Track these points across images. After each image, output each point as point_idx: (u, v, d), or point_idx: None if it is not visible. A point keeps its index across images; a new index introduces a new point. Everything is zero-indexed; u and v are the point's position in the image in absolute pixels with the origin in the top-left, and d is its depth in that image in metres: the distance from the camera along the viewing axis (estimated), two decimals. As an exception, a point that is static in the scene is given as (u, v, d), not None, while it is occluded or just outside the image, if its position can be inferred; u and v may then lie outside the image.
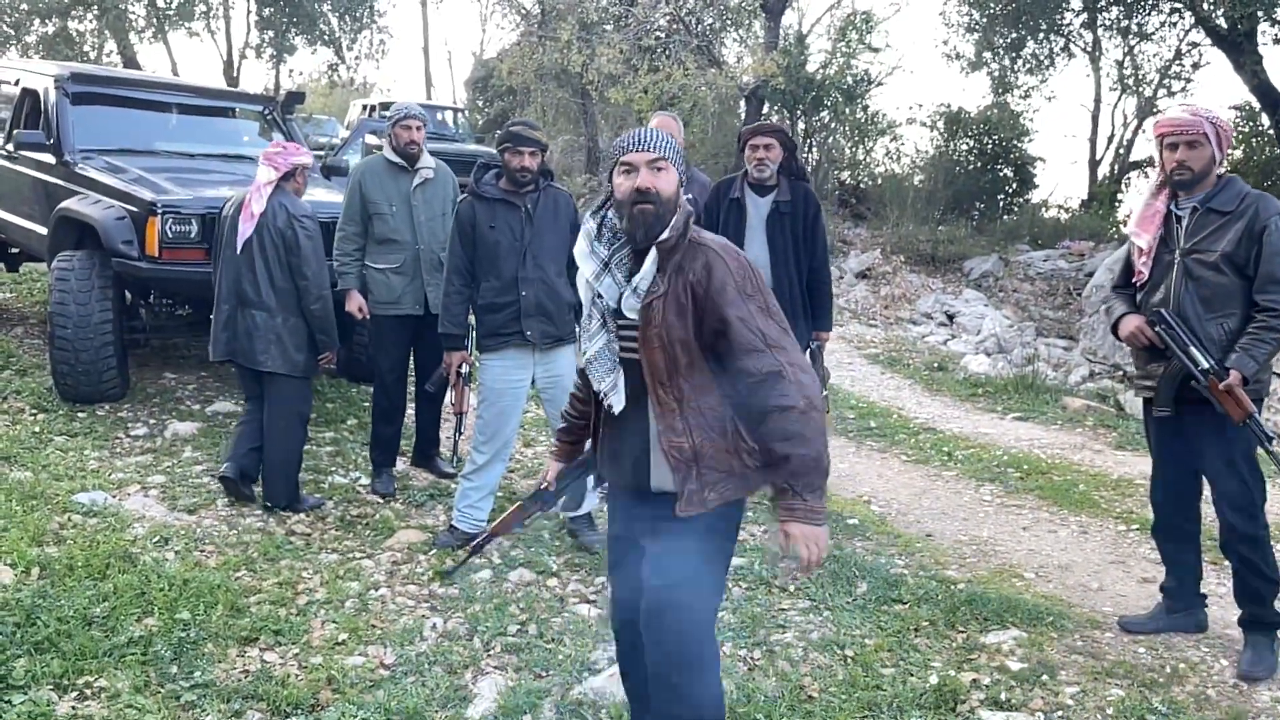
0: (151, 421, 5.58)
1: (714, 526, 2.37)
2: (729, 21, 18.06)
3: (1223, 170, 3.46)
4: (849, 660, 3.44)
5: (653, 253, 2.31)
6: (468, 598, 3.81)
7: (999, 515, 5.25)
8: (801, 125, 18.05)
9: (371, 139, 13.15)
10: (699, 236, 2.37)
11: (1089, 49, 17.98)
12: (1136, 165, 19.14)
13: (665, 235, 2.30)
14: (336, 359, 4.77)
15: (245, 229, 4.42)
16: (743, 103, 17.34)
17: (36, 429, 5.20)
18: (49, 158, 6.19)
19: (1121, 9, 16.30)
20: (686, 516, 2.31)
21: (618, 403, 2.38)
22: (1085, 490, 5.58)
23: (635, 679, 2.61)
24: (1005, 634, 3.68)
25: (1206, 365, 3.31)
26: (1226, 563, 4.02)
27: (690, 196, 4.33)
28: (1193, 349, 3.34)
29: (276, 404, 4.55)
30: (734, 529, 2.47)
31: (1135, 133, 18.95)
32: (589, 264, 2.39)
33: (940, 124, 17.72)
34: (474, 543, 2.92)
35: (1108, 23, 17.18)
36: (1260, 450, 3.41)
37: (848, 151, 18.23)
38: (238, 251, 4.44)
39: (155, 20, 21.57)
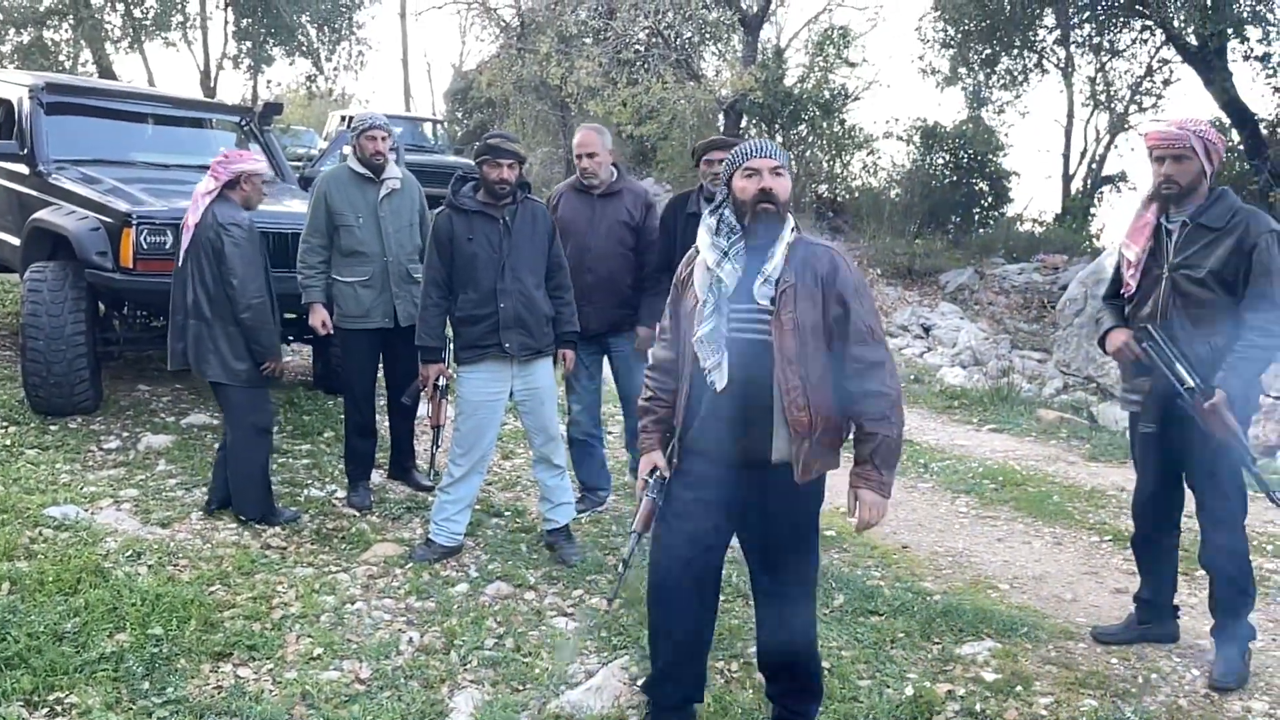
0: (124, 434, 5.53)
1: (819, 493, 2.87)
2: (707, 36, 18.18)
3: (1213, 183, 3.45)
4: (826, 672, 3.45)
5: (782, 247, 2.67)
6: (444, 611, 3.79)
7: (974, 526, 5.29)
8: (779, 139, 18.16)
9: (349, 150, 13.13)
10: (811, 237, 2.78)
11: (1062, 65, 18.20)
12: (1109, 180, 19.38)
13: (790, 233, 2.70)
14: (279, 369, 4.58)
15: (185, 239, 4.44)
16: (721, 116, 17.44)
17: (7, 442, 5.14)
18: (22, 168, 6.14)
19: (1093, 26, 16.51)
20: (804, 483, 2.72)
21: (720, 380, 2.66)
22: (1059, 501, 5.64)
23: (681, 634, 2.89)
24: (980, 645, 3.71)
25: (1192, 384, 3.30)
26: (1199, 573, 4.06)
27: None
28: (1179, 366, 3.33)
29: (229, 416, 4.52)
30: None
31: (1108, 148, 19.19)
32: (711, 254, 2.71)
33: (916, 138, 17.88)
34: (627, 555, 2.93)
35: (1080, 39, 17.40)
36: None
37: (825, 165, 18.34)
38: (180, 263, 4.44)
39: (131, 30, 21.43)
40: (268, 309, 4.46)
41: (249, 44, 22.46)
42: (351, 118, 19.17)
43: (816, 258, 2.68)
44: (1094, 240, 17.14)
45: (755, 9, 17.06)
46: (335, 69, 23.88)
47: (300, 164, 9.40)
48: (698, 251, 2.79)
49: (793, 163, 3.30)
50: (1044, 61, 17.80)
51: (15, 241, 6.09)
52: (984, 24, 16.26)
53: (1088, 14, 16.02)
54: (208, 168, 6.76)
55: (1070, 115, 19.33)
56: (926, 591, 4.24)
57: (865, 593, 4.15)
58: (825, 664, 3.49)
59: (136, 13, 21.29)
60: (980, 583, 4.43)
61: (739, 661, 3.51)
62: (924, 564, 4.66)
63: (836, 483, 6.20)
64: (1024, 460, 6.58)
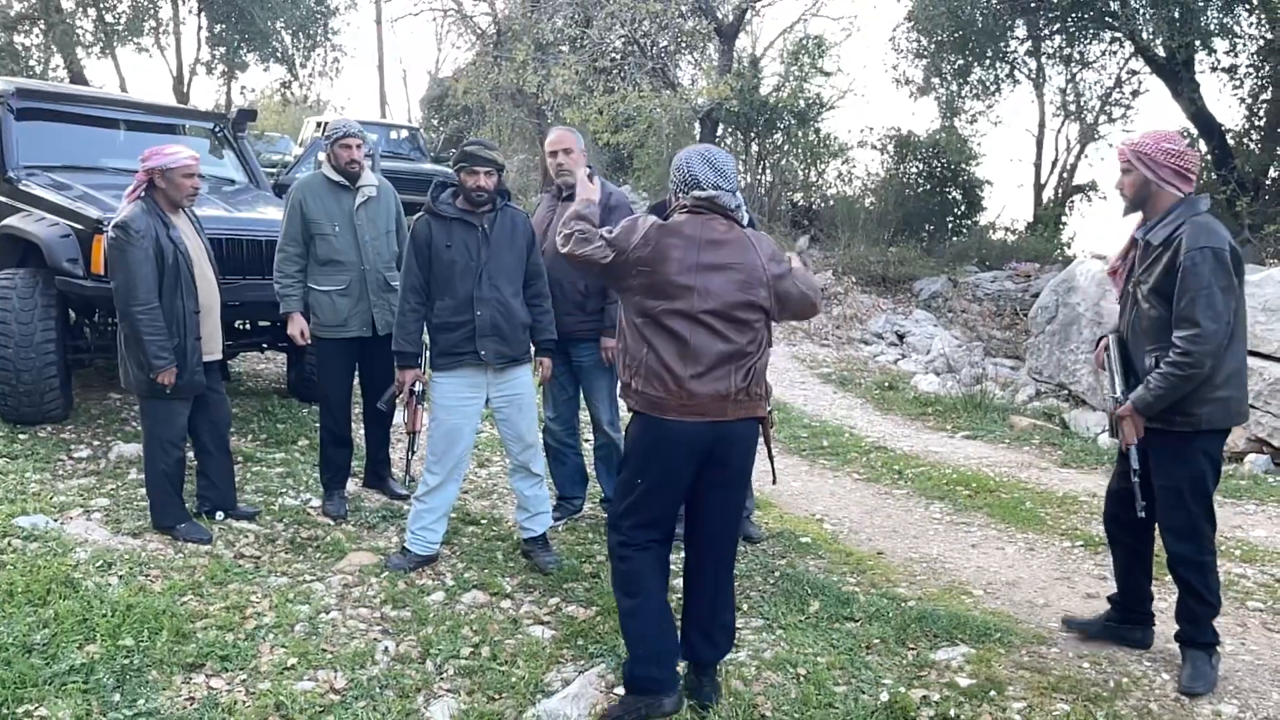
0: (95, 443, 5.47)
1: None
2: (683, 45, 18.26)
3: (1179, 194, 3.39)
4: (801, 679, 3.47)
5: None
6: (420, 620, 3.77)
7: (948, 533, 5.33)
8: (755, 147, 18.26)
9: (324, 157, 13.06)
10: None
11: (1033, 76, 18.45)
12: (1080, 189, 19.63)
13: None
14: (174, 380, 4.25)
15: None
16: (697, 125, 17.51)
17: (-25, 451, 5.07)
18: (-9, 174, 6.06)
19: (1064, 37, 16.74)
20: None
21: None
22: (1032, 508, 5.69)
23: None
24: (954, 650, 3.74)
25: (1117, 394, 3.43)
26: (1169, 578, 4.12)
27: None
28: (1116, 375, 3.45)
29: (142, 425, 4.41)
30: None
31: (1078, 157, 19.46)
32: None
33: (890, 147, 18.06)
34: None
35: (1051, 50, 17.65)
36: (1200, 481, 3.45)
37: (800, 173, 18.48)
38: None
39: (104, 35, 21.22)
40: (156, 317, 4.18)
41: (222, 50, 22.32)
42: (326, 124, 19.13)
43: None
44: (1065, 248, 17.36)
45: (731, 19, 17.17)
46: (310, 75, 23.78)
47: (275, 170, 9.36)
48: None
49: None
50: (1015, 72, 18.04)
51: (-16, 248, 6.01)
52: (956, 35, 16.46)
53: (1058, 25, 16.25)
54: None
55: (1041, 125, 19.60)
56: (901, 597, 4.27)
57: (840, 599, 4.17)
58: (801, 670, 3.51)
59: (108, 18, 21.10)
60: (954, 589, 4.47)
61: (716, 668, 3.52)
62: (898, 570, 4.69)
63: (812, 488, 6.23)
64: (997, 467, 6.64)
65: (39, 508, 4.44)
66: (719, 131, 17.64)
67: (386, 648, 3.55)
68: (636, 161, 20.35)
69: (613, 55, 16.58)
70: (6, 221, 5.70)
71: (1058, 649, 3.82)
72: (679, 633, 3.29)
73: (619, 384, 3.30)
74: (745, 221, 3.23)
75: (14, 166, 5.99)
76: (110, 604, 3.53)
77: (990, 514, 5.61)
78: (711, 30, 16.91)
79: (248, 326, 6.68)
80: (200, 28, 22.21)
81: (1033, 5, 15.55)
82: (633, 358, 3.12)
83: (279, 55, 22.80)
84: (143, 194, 4.31)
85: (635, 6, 15.55)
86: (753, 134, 17.79)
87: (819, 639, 3.79)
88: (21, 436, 5.35)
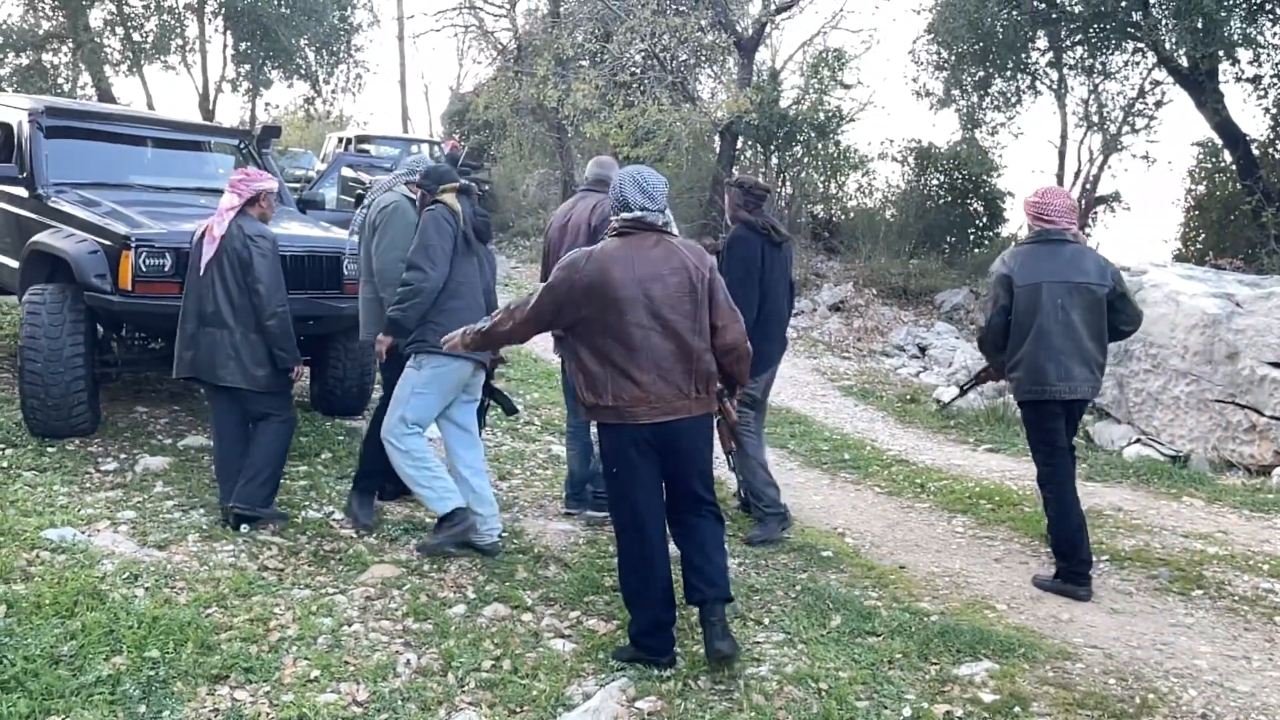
0: (122, 456, 5.53)
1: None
2: (703, 58, 18.31)
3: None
4: (823, 693, 3.45)
5: None
6: (442, 633, 3.79)
7: (971, 547, 5.29)
8: (775, 160, 18.26)
9: (348, 172, 13.16)
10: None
11: (1055, 87, 18.34)
12: (1103, 200, 19.47)
13: None
14: (300, 373, 4.89)
15: (208, 251, 4.66)
16: (717, 138, 17.55)
17: (4, 464, 5.13)
18: (21, 191, 6.16)
19: (1086, 48, 16.66)
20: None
21: None
22: (1056, 521, 5.64)
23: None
24: (978, 666, 3.71)
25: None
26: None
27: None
28: None
29: (257, 418, 4.81)
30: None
31: (1101, 168, 19.28)
32: None
33: (911, 159, 17.99)
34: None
35: (1072, 62, 17.55)
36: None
37: (820, 186, 18.44)
38: (200, 273, 4.66)
39: (131, 54, 21.53)
40: (289, 317, 4.73)
41: (247, 67, 22.57)
42: (349, 139, 19.32)
43: None
44: (1088, 260, 17.20)
45: (750, 32, 17.20)
46: (333, 91, 24.00)
47: (299, 186, 9.46)
48: None
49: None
50: (1037, 83, 17.95)
51: (14, 264, 6.10)
52: (977, 46, 16.41)
53: (1080, 36, 16.17)
54: (207, 190, 6.87)
55: (1064, 136, 19.44)
56: (924, 612, 4.24)
57: (862, 613, 4.15)
58: (823, 685, 3.50)
59: (136, 36, 21.40)
60: (977, 603, 4.44)
61: (736, 683, 3.51)
62: (921, 584, 4.66)
63: (834, 502, 6.20)
64: (1020, 480, 6.59)
65: (67, 520, 4.49)
66: (739, 145, 17.66)
67: (408, 660, 3.56)
68: (657, 175, 20.38)
69: (633, 69, 16.64)
70: (36, 238, 5.79)
71: (1083, 665, 3.78)
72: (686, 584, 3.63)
73: (583, 409, 3.65)
74: (673, 233, 3.66)
75: (44, 183, 6.08)
76: (136, 616, 3.57)
77: (1014, 528, 5.57)
78: (731, 44, 16.95)
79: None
80: (226, 45, 22.48)
81: (1054, 16, 15.49)
82: (593, 379, 3.52)
83: (303, 72, 23.04)
84: (238, 211, 4.72)
85: (655, 21, 15.62)
86: (772, 147, 17.77)
87: (841, 653, 3.77)
88: (50, 449, 5.42)
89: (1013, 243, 18.16)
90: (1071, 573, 4.57)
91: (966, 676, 3.63)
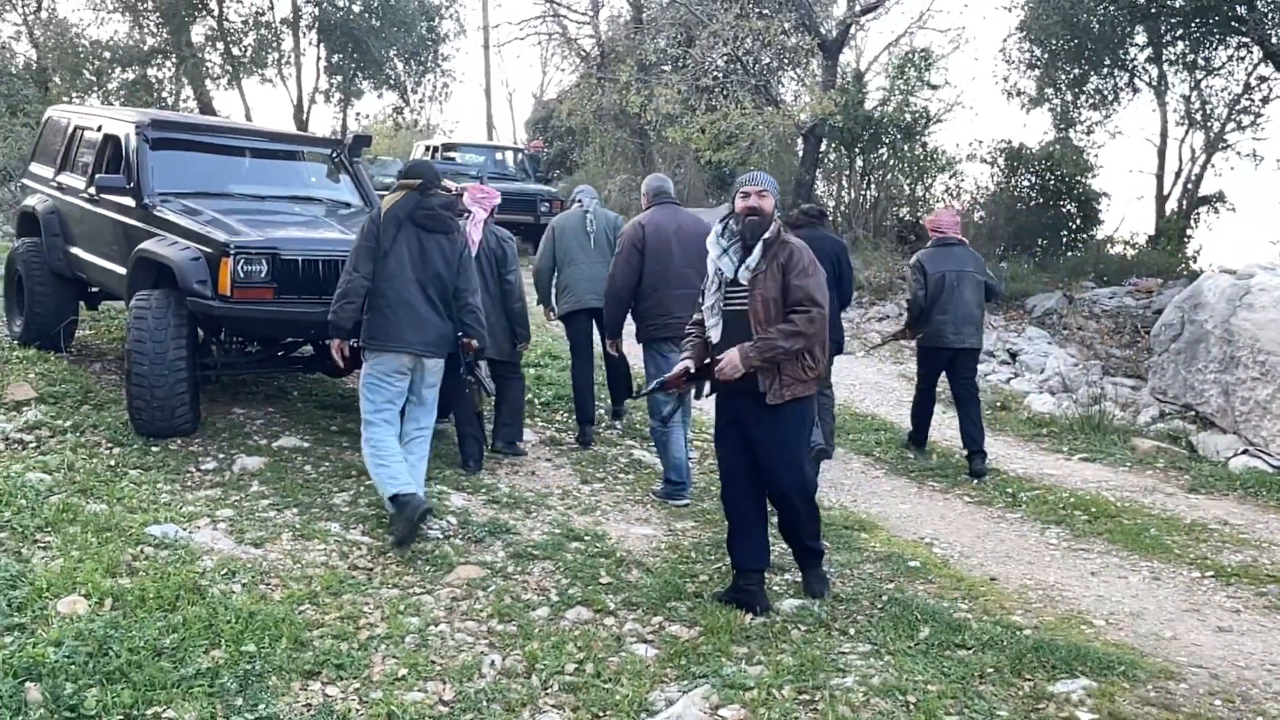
0: (220, 456, 5.72)
1: (793, 410, 4.06)
2: (786, 61, 18.16)
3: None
4: (911, 707, 3.38)
5: (759, 245, 3.98)
6: (525, 635, 3.82)
7: (1066, 559, 5.12)
8: (860, 163, 18.02)
9: (449, 184, 13.39)
10: (788, 237, 4.08)
11: (1154, 83, 17.70)
12: (1205, 200, 18.71)
13: (771, 233, 4.01)
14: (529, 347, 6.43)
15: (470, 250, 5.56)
16: (800, 141, 17.39)
17: (112, 462, 5.36)
18: (129, 201, 6.42)
19: (1187, 43, 16.05)
20: (776, 403, 3.99)
21: (715, 335, 4.09)
22: (1157, 535, 5.43)
23: (743, 504, 4.20)
24: (1074, 683, 3.58)
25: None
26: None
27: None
28: None
29: (510, 378, 6.23)
30: (806, 411, 4.20)
31: (1204, 167, 18.52)
32: (714, 249, 4.08)
33: (1001, 160, 17.55)
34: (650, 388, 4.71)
35: (1173, 57, 16.92)
36: None
37: (906, 188, 18.13)
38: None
39: (230, 67, 22.36)
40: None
41: (339, 78, 23.23)
42: (436, 148, 19.71)
43: (783, 251, 3.98)
44: (1190, 262, 16.56)
45: (835, 34, 17.01)
46: (421, 101, 24.53)
47: (387, 193, 9.67)
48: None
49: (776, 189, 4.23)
50: (1135, 80, 17.36)
51: (122, 271, 6.37)
52: (1072, 43, 15.94)
53: (1181, 31, 15.60)
54: (302, 198, 7.08)
55: (1164, 134, 18.74)
56: (1016, 626, 4.12)
57: (952, 625, 4.05)
58: (910, 698, 3.42)
59: (235, 51, 22.21)
60: (1073, 618, 4.29)
61: (821, 693, 3.46)
62: (1013, 597, 4.53)
63: (921, 511, 6.08)
64: (1118, 491, 6.36)
65: (169, 517, 4.66)
66: (823, 147, 17.47)
67: (493, 661, 3.60)
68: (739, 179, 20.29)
69: (715, 74, 16.59)
70: (143, 245, 6.03)
71: (1187, 685, 3.62)
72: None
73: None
74: None
75: (149, 193, 6.33)
76: (234, 611, 3.68)
77: (1111, 540, 5.37)
78: (815, 46, 16.77)
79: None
80: (319, 58, 23.16)
81: (1153, 11, 14.96)
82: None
83: (392, 82, 23.61)
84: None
85: (738, 25, 15.55)
86: (857, 149, 17.54)
87: (929, 666, 3.68)
88: (154, 449, 5.63)
89: (1107, 244, 17.64)
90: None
91: (1062, 694, 3.50)
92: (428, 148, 20.41)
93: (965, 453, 6.87)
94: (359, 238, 4.88)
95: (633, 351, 6.20)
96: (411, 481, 4.70)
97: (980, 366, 11.41)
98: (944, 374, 7.06)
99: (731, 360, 3.91)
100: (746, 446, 4.11)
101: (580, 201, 7.09)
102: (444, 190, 5.11)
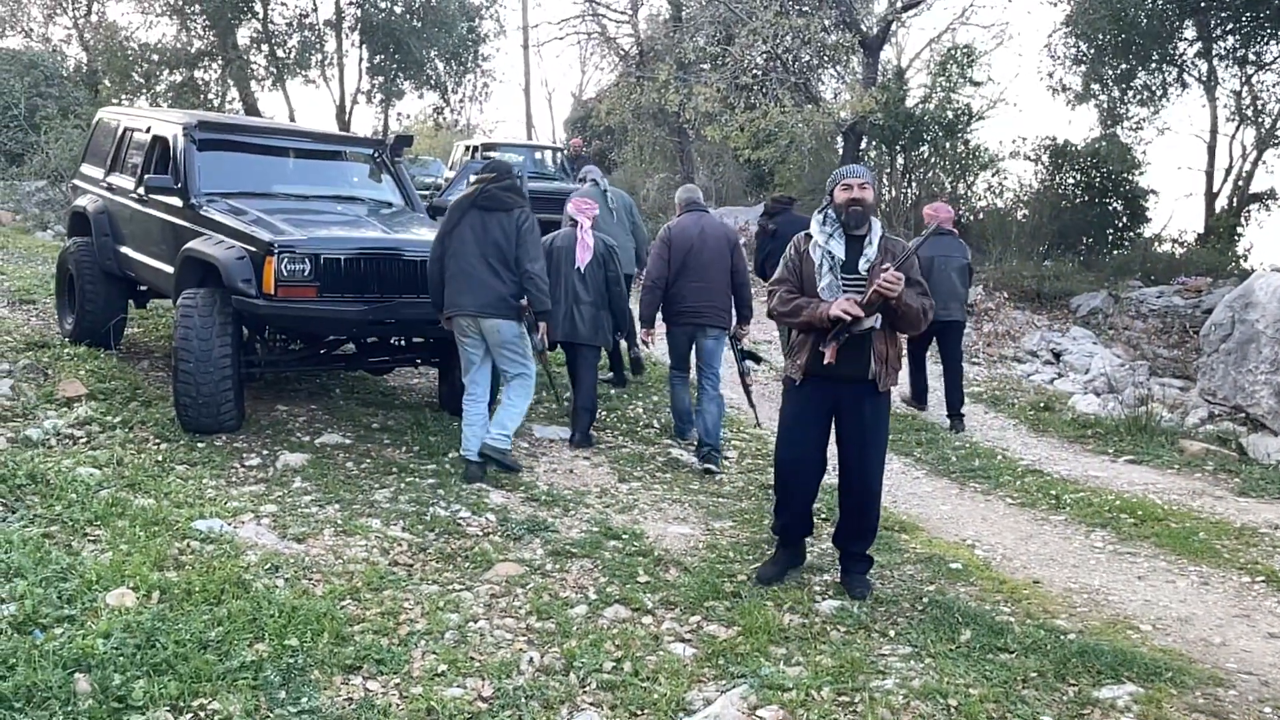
0: (264, 452, 5.80)
1: (889, 400, 4.41)
2: (826, 59, 18.04)
3: None
4: (952, 710, 3.34)
5: (876, 237, 4.27)
6: (564, 633, 3.83)
7: (1111, 563, 5.04)
8: (901, 160, 17.86)
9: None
10: (890, 235, 4.40)
11: (1204, 79, 17.35)
12: (1257, 198, 18.29)
13: (878, 228, 4.33)
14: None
15: (584, 256, 6.59)
16: (840, 139, 17.26)
17: (160, 458, 5.45)
18: (176, 201, 6.53)
19: (1238, 38, 15.71)
20: (885, 391, 4.28)
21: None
22: (1206, 539, 5.32)
23: (805, 507, 4.52)
24: (1120, 689, 3.52)
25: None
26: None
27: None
28: None
29: (588, 364, 6.74)
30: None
31: (1255, 164, 18.12)
32: (820, 236, 4.29)
33: (1045, 157, 17.28)
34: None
35: (1223, 52, 16.57)
36: None
37: (948, 186, 17.92)
38: (579, 269, 6.60)
39: (275, 69, 22.67)
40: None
41: (381, 79, 23.45)
42: (476, 147, 19.83)
43: (894, 245, 4.31)
44: (1241, 261, 16.21)
45: (875, 31, 16.86)
46: (461, 101, 24.68)
47: (428, 193, 9.74)
48: (808, 238, 4.34)
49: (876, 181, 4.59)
50: (1184, 75, 17.03)
51: (169, 269, 6.48)
52: (1119, 38, 15.68)
53: (1231, 25, 15.28)
54: (344, 198, 7.17)
55: (1214, 131, 18.35)
56: (1060, 630, 4.06)
57: (994, 629, 4.00)
58: (952, 702, 3.38)
59: (279, 52, 22.52)
60: (1119, 622, 4.21)
61: (861, 695, 3.43)
62: (1057, 601, 4.46)
63: (963, 512, 6.01)
64: (1165, 494, 6.24)
65: (215, 512, 4.73)
66: (863, 145, 17.33)
67: (531, 658, 3.61)
68: (778, 177, 20.19)
69: (754, 72, 16.50)
70: (189, 244, 6.13)
71: (1236, 692, 3.55)
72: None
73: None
74: None
75: (196, 193, 6.43)
76: (277, 605, 3.73)
77: (1158, 544, 5.28)
78: (855, 43, 16.64)
79: (403, 343, 6.97)
80: (361, 59, 23.39)
81: (1203, 5, 14.66)
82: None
83: (432, 82, 23.79)
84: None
85: (778, 23, 15.47)
86: (898, 147, 17.38)
87: (971, 669, 3.64)
88: (200, 444, 5.73)
89: (1155, 242, 17.28)
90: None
91: (1108, 700, 3.45)
92: (468, 147, 20.52)
93: (948, 416, 8.09)
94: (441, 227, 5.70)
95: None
96: (473, 449, 5.63)
97: (1024, 367, 11.34)
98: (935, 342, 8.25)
99: (892, 277, 4.02)
100: (823, 439, 4.36)
101: (595, 181, 8.10)
102: (516, 182, 5.75)
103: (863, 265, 4.18)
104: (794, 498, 4.49)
